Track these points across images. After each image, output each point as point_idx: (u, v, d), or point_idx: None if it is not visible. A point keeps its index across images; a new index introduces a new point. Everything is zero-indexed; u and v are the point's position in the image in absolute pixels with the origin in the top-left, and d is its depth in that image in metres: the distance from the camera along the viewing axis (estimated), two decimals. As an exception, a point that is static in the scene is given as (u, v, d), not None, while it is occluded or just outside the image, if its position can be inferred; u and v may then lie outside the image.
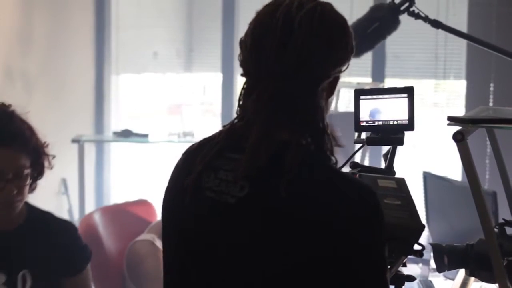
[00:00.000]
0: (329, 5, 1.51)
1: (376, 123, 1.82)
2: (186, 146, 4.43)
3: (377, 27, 2.52)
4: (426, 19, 2.53)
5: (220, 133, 1.49)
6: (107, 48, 5.01)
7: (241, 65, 1.49)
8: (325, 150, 1.48)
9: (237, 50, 4.64)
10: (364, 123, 1.81)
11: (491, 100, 4.30)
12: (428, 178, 3.38)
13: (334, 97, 1.59)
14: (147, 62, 5.14)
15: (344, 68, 1.50)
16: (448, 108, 4.70)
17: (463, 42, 4.35)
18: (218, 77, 4.98)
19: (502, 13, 4.17)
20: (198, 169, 1.46)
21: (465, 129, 1.65)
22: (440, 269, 2.14)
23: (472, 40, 2.63)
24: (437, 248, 2.14)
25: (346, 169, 1.76)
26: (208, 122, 5.13)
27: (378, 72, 4.48)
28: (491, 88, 4.29)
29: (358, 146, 1.89)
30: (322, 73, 1.46)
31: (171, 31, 5.27)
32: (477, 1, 4.27)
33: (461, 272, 2.21)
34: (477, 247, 2.07)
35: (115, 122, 5.07)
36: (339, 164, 1.54)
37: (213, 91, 5.18)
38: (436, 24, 2.53)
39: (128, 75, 5.25)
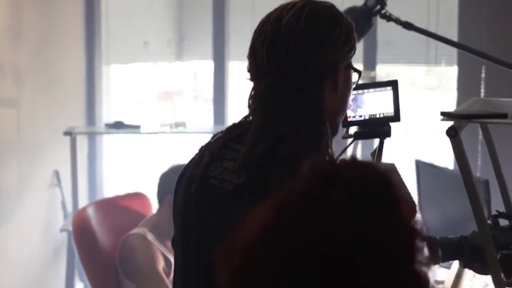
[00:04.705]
0: (324, 3, 1.59)
1: (363, 117, 1.86)
2: (178, 136, 4.43)
3: None
4: (397, 21, 2.55)
5: (228, 127, 1.64)
6: (97, 38, 4.97)
7: (247, 70, 1.60)
8: (321, 143, 1.53)
9: (228, 38, 4.63)
10: (351, 118, 1.85)
11: (482, 86, 4.29)
12: (421, 167, 3.39)
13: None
14: (137, 52, 5.12)
15: (340, 60, 1.55)
16: (440, 90, 4.70)
17: (454, 28, 4.36)
18: (210, 64, 4.96)
19: (492, 13, 4.18)
20: (205, 161, 1.57)
21: (458, 125, 1.66)
22: (434, 261, 2.15)
23: (437, 38, 2.66)
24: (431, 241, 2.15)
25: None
26: (199, 109, 5.11)
27: (370, 59, 4.47)
28: (483, 74, 4.28)
29: (347, 142, 1.92)
30: (312, 67, 1.53)
31: (161, 21, 5.25)
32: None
33: (456, 264, 2.23)
34: (471, 239, 2.08)
35: (107, 113, 5.05)
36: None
37: (204, 77, 5.17)
38: (407, 26, 2.57)
39: (119, 65, 5.22)
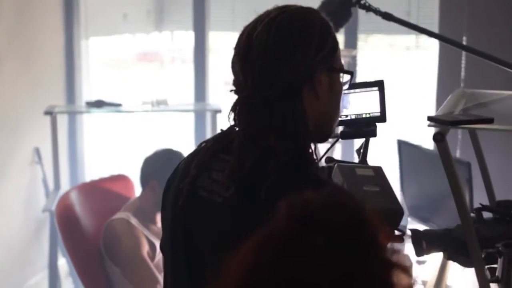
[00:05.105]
0: (298, 11, 1.57)
1: (349, 117, 1.85)
2: (160, 115, 4.42)
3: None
4: (376, 11, 2.55)
5: (215, 136, 1.62)
6: (76, 12, 4.89)
7: (232, 84, 1.59)
8: (306, 154, 1.53)
9: (209, 7, 4.59)
10: None
11: (463, 56, 4.30)
12: (402, 146, 3.45)
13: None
14: (117, 24, 5.06)
15: (315, 68, 1.53)
16: (419, 51, 4.72)
17: (436, 7, 4.37)
18: (190, 34, 4.91)
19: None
20: (193, 173, 1.57)
21: (444, 130, 1.67)
22: (418, 253, 2.18)
23: (417, 29, 2.66)
24: (415, 233, 2.18)
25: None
26: (180, 82, 5.08)
27: (351, 34, 4.44)
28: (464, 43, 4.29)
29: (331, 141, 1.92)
30: (285, 79, 1.52)
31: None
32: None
33: (440, 256, 2.26)
34: (455, 233, 2.11)
35: (87, 88, 4.99)
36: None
37: (182, 39, 5.12)
38: (387, 16, 2.56)
39: (98, 38, 5.15)
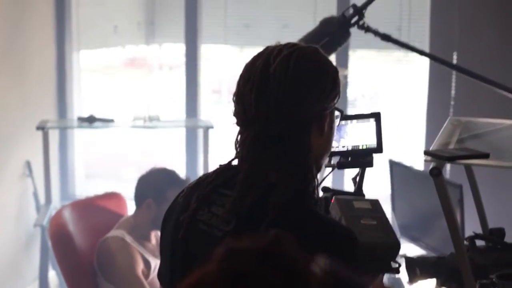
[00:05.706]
0: (310, 49, 1.59)
1: (346, 148, 1.87)
2: (152, 131, 4.42)
3: (327, 41, 2.54)
4: (376, 32, 2.56)
5: (216, 170, 1.61)
6: (68, 26, 4.88)
7: (233, 114, 1.59)
8: (308, 191, 1.55)
9: (200, 20, 4.56)
10: (334, 148, 1.86)
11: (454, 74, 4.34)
12: (394, 166, 3.49)
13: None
14: (107, 36, 5.06)
15: (327, 107, 1.56)
16: (410, 63, 4.75)
17: (427, 14, 4.40)
18: (180, 47, 4.90)
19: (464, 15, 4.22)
20: (193, 207, 1.57)
21: (441, 165, 1.69)
22: (412, 279, 2.21)
23: (414, 50, 2.68)
24: (409, 260, 2.21)
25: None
26: (169, 82, 5.03)
27: (342, 52, 4.45)
28: (455, 60, 4.32)
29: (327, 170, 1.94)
30: (300, 115, 1.54)
31: (130, 3, 5.20)
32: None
33: (433, 282, 2.29)
34: (449, 260, 2.14)
35: (78, 102, 4.98)
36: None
37: (174, 54, 5.11)
38: (386, 37, 2.57)
39: (89, 51, 5.14)
